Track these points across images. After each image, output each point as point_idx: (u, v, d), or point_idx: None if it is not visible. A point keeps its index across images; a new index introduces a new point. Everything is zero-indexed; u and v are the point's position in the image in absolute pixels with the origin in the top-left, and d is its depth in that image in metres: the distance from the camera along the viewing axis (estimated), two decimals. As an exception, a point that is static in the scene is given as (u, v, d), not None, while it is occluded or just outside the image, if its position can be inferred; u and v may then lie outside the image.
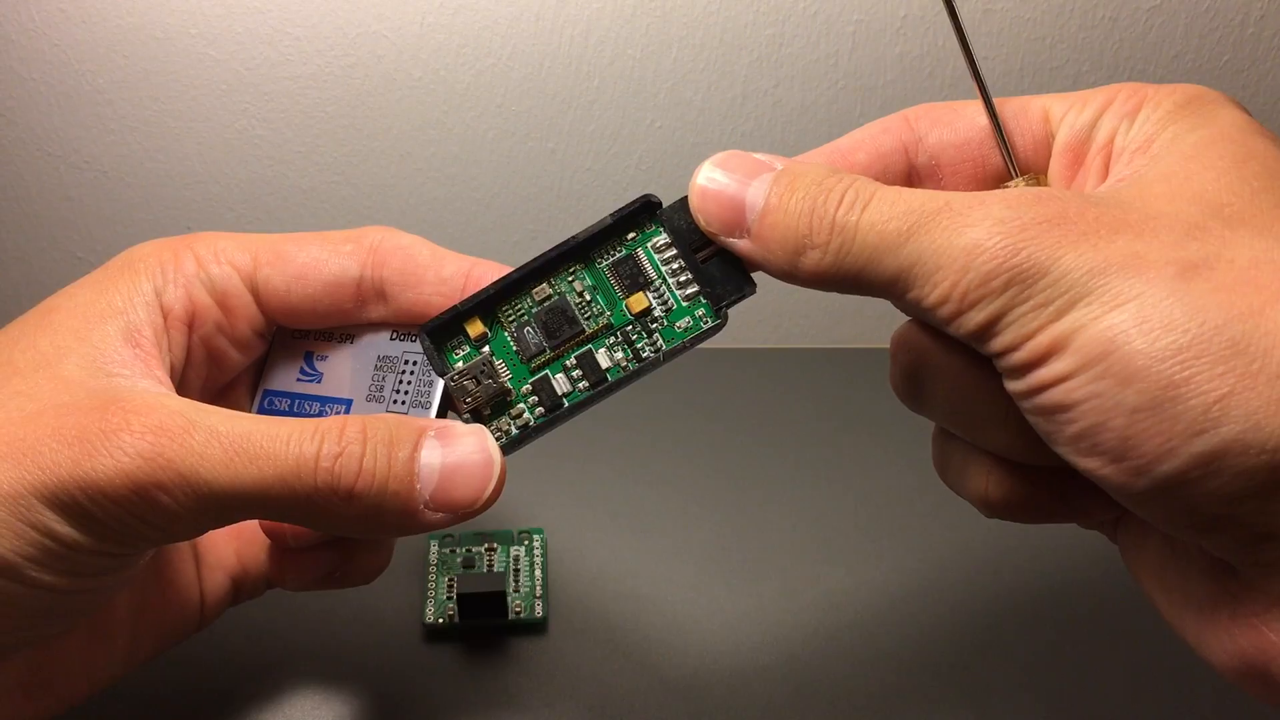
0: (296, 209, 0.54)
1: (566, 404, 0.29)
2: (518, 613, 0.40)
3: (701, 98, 0.52)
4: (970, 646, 0.40)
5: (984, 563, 0.44)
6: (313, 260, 0.31)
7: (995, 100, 0.29)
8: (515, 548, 0.43)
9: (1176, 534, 0.25)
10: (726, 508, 0.46)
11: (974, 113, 0.29)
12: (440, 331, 0.30)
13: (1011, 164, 0.29)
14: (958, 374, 0.27)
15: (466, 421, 0.29)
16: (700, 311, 0.29)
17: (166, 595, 0.32)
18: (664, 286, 0.29)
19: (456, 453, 0.27)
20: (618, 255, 0.29)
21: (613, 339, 0.29)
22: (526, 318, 0.29)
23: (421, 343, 0.30)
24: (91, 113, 0.51)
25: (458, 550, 0.43)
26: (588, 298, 0.29)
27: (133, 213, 0.54)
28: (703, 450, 0.49)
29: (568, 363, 0.29)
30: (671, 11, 0.50)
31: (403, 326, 0.32)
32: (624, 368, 0.29)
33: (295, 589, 0.32)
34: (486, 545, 0.43)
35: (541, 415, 0.29)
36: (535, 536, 0.43)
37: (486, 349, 0.30)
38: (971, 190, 0.29)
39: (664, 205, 0.30)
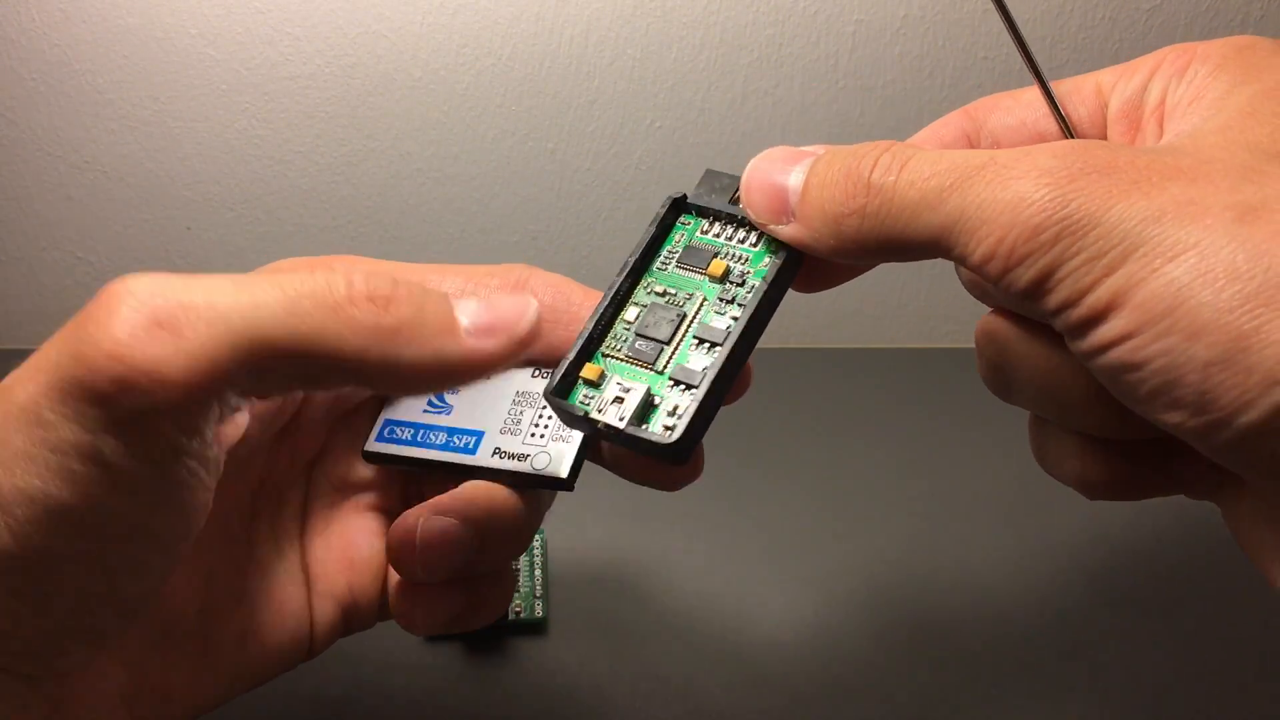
0: (296, 209, 0.54)
1: (705, 373, 0.28)
2: (518, 613, 0.40)
3: (701, 98, 0.52)
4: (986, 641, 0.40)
5: (982, 562, 0.44)
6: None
7: (1050, 82, 0.29)
8: (515, 548, 0.43)
9: (1263, 483, 0.24)
10: (727, 508, 0.46)
11: (1030, 96, 0.29)
12: (563, 388, 0.29)
13: (1069, 133, 0.29)
14: (1040, 357, 0.26)
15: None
16: (774, 247, 0.29)
17: (276, 619, 0.31)
18: (731, 249, 0.30)
19: (490, 295, 0.27)
20: (678, 253, 0.30)
21: (715, 307, 0.29)
22: (630, 338, 0.29)
23: (551, 405, 0.29)
24: (91, 113, 0.51)
25: (458, 550, 0.43)
26: (673, 292, 0.30)
27: (133, 213, 0.54)
28: (705, 450, 0.49)
29: (690, 347, 0.29)
30: (671, 11, 0.50)
31: (546, 365, 0.31)
32: (735, 318, 0.29)
33: (421, 632, 0.30)
34: (486, 545, 0.43)
35: (693, 396, 0.28)
36: (535, 536, 0.43)
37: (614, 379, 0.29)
38: None
39: (688, 194, 0.30)
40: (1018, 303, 0.24)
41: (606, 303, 0.29)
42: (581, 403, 0.29)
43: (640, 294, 0.30)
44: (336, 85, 0.51)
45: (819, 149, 0.27)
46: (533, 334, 0.26)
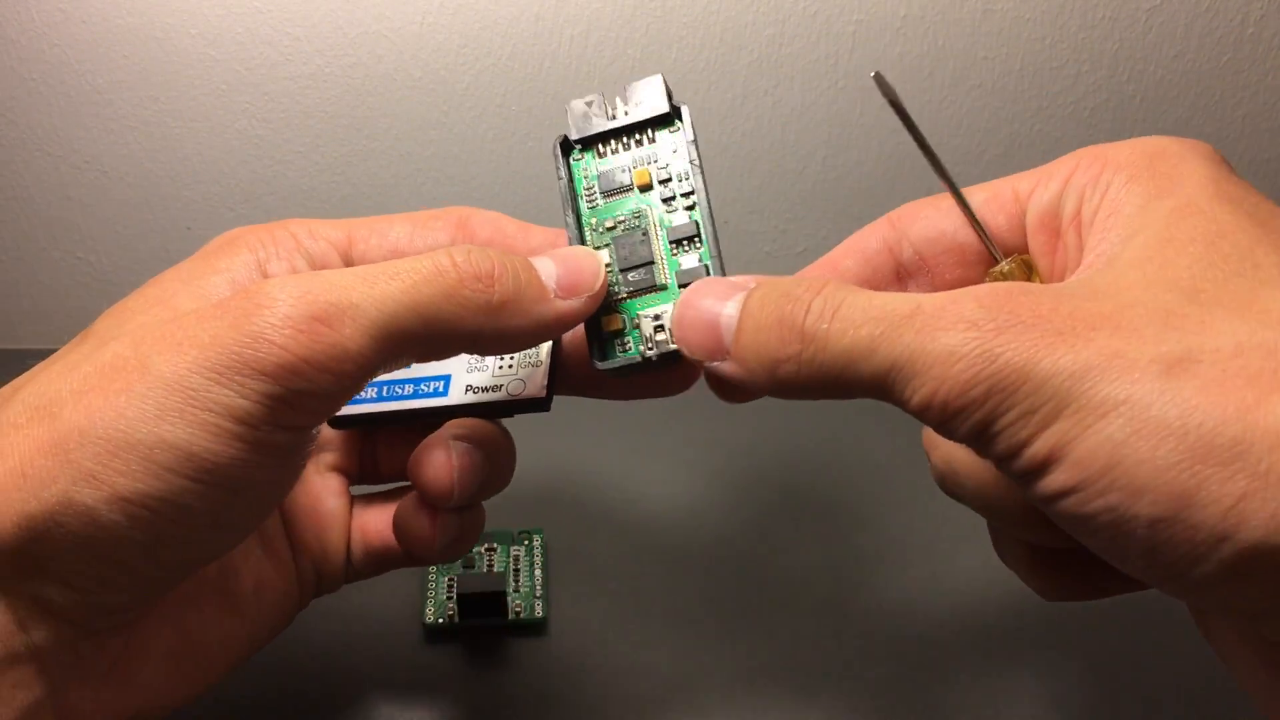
0: (296, 209, 0.54)
1: (707, 266, 0.30)
2: (518, 613, 0.40)
3: (701, 98, 0.52)
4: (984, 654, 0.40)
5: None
6: (406, 235, 0.33)
7: (964, 190, 0.29)
8: (515, 548, 0.43)
9: (1226, 619, 0.25)
10: (727, 507, 0.46)
11: (950, 205, 0.30)
12: (603, 352, 0.31)
13: (993, 249, 0.29)
14: (982, 474, 0.27)
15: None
16: (665, 130, 0.31)
17: (277, 570, 0.33)
18: (639, 155, 0.31)
19: (564, 256, 0.30)
20: (595, 185, 0.32)
21: (666, 209, 0.31)
22: (620, 278, 0.31)
23: (607, 372, 0.30)
24: (91, 113, 0.51)
25: (458, 550, 0.43)
26: (622, 218, 0.31)
27: (133, 213, 0.54)
28: (703, 450, 0.49)
29: (671, 253, 0.31)
30: (671, 11, 0.50)
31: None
32: (689, 207, 0.31)
33: (436, 552, 0.32)
34: (486, 545, 0.43)
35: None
36: (535, 536, 0.43)
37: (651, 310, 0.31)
38: (958, 276, 0.30)
39: (569, 135, 0.32)
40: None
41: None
42: (627, 352, 0.30)
43: (595, 238, 0.31)
44: (336, 85, 0.51)
45: (750, 281, 0.27)
46: (605, 285, 0.30)
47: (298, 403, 0.25)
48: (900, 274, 0.30)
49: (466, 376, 0.33)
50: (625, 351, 0.30)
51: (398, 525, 0.33)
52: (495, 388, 0.33)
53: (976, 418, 0.22)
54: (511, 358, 0.33)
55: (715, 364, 0.27)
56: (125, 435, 0.24)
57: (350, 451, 0.36)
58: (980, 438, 0.23)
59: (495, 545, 0.43)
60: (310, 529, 0.34)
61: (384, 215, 0.33)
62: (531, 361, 0.33)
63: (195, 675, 0.30)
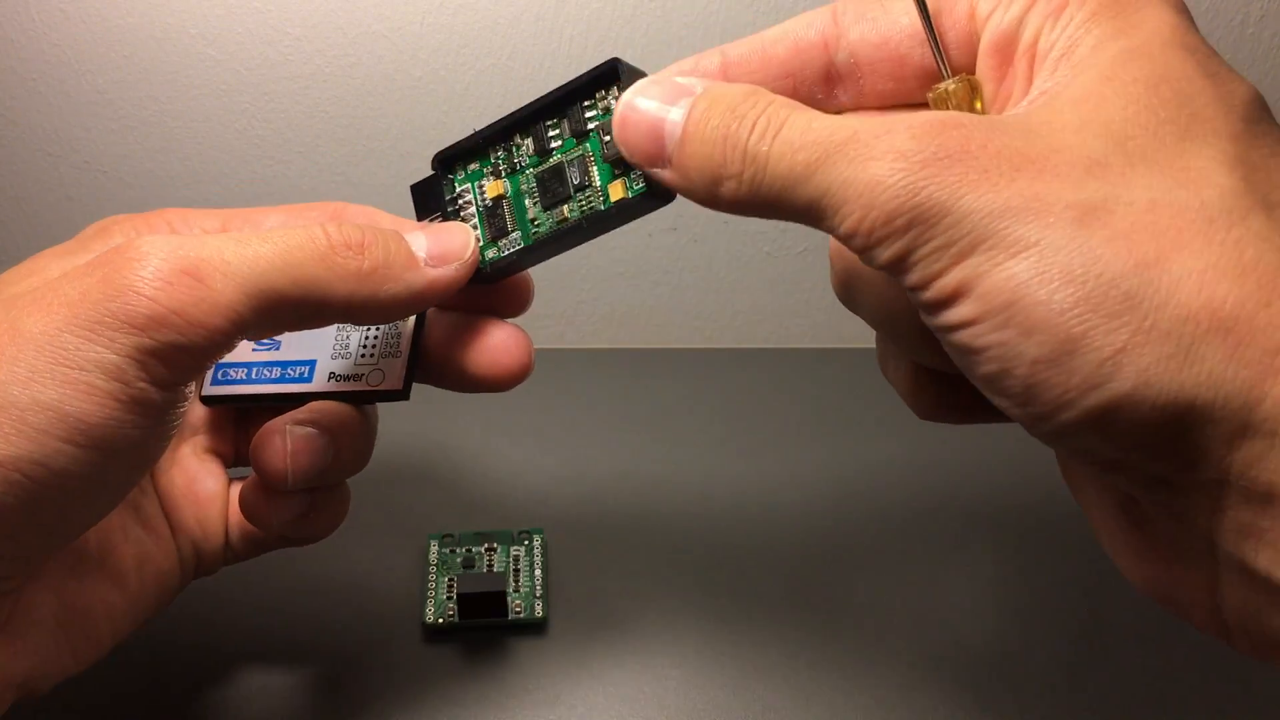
0: (296, 209, 0.54)
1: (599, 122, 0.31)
2: (518, 613, 0.40)
3: (701, 98, 0.52)
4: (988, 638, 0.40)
5: (978, 560, 0.44)
6: (281, 224, 0.33)
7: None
8: (515, 548, 0.43)
9: (1086, 468, 0.26)
10: (727, 507, 0.46)
11: (900, 10, 0.28)
12: (613, 194, 0.30)
13: (942, 63, 0.28)
14: (880, 289, 0.27)
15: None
16: (449, 175, 0.35)
17: (158, 549, 0.33)
18: (470, 198, 0.33)
19: (435, 229, 0.32)
20: (494, 223, 0.33)
21: (523, 178, 0.32)
22: (578, 193, 0.31)
23: (654, 197, 0.30)
24: (91, 113, 0.51)
25: (458, 550, 0.43)
26: (524, 187, 0.32)
27: (133, 213, 0.54)
28: (703, 450, 0.49)
29: (571, 149, 0.31)
30: (671, 11, 0.50)
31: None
32: (540, 151, 0.32)
33: (269, 527, 0.33)
34: (486, 545, 0.43)
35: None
36: (535, 536, 0.43)
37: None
38: (890, 90, 0.29)
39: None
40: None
41: (560, 232, 0.31)
42: (630, 192, 0.30)
43: (529, 224, 0.32)
44: (336, 85, 0.51)
45: (695, 86, 0.27)
46: (475, 256, 0.32)
47: (168, 356, 0.26)
48: (830, 76, 0.29)
49: (331, 363, 0.34)
50: (629, 191, 0.30)
51: (240, 504, 0.33)
52: (356, 376, 0.34)
53: (897, 247, 0.23)
54: (373, 347, 0.34)
55: (655, 170, 0.27)
56: None
57: (225, 436, 0.36)
58: (897, 266, 0.23)
59: (495, 545, 0.43)
60: (189, 510, 0.34)
61: (259, 208, 0.34)
62: (392, 353, 0.34)
63: (81, 646, 0.30)
